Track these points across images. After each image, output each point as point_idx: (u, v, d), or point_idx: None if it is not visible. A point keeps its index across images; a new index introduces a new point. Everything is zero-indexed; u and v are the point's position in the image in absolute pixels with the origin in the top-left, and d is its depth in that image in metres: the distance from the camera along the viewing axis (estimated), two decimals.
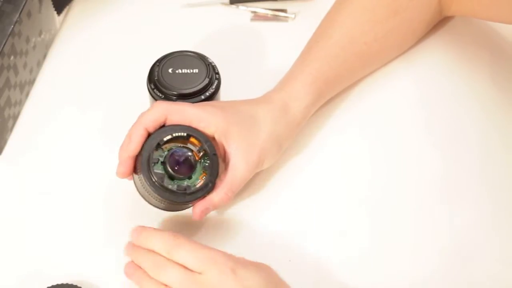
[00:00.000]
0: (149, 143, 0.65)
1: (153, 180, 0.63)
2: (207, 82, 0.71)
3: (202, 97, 0.71)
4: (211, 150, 0.66)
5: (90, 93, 0.81)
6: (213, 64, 0.73)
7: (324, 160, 0.76)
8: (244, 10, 0.89)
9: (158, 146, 0.65)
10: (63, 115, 0.79)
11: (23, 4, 0.74)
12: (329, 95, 0.76)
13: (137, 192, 0.67)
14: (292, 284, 0.63)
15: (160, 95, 0.71)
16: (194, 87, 0.70)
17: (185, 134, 0.65)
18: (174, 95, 0.70)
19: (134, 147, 0.65)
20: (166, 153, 0.65)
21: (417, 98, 0.81)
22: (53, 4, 0.82)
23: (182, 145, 0.66)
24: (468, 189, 0.74)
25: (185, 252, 0.60)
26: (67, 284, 0.65)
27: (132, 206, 0.72)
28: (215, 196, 0.66)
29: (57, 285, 0.65)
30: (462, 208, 0.73)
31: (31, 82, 0.81)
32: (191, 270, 0.60)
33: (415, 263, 0.69)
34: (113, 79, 0.82)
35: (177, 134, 0.65)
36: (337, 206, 0.73)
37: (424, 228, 0.72)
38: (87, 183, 0.74)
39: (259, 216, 0.72)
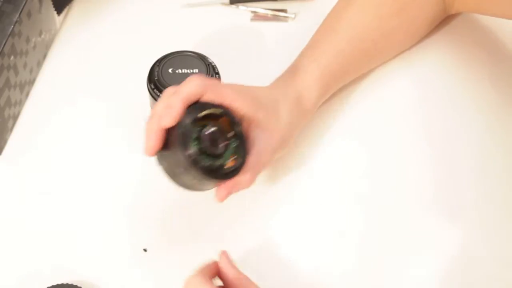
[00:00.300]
0: (187, 117, 0.61)
1: (190, 155, 0.60)
2: None
3: None
4: (241, 132, 0.64)
5: (90, 93, 0.81)
6: (213, 64, 0.73)
7: (324, 160, 0.76)
8: (244, 10, 0.89)
9: (193, 121, 0.61)
10: (63, 115, 0.79)
11: (23, 4, 0.74)
12: (334, 89, 0.77)
13: (161, 168, 0.63)
14: (293, 284, 0.63)
15: (160, 95, 0.70)
16: None
17: (220, 112, 0.62)
18: None
19: (172, 118, 0.60)
20: (199, 129, 0.61)
21: (416, 99, 0.81)
22: (53, 4, 0.82)
23: (213, 123, 0.62)
24: (467, 189, 0.74)
25: None
26: (67, 284, 0.65)
27: (132, 206, 0.72)
28: (240, 179, 0.64)
29: (57, 285, 0.65)
30: (461, 208, 0.73)
31: (31, 82, 0.81)
32: None
33: (414, 263, 0.69)
34: (113, 79, 0.82)
35: (214, 111, 0.62)
36: (336, 206, 0.73)
37: (423, 227, 0.72)
38: (87, 183, 0.74)
39: (259, 216, 0.72)
